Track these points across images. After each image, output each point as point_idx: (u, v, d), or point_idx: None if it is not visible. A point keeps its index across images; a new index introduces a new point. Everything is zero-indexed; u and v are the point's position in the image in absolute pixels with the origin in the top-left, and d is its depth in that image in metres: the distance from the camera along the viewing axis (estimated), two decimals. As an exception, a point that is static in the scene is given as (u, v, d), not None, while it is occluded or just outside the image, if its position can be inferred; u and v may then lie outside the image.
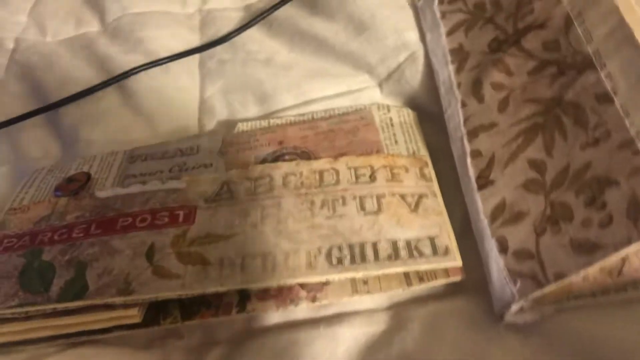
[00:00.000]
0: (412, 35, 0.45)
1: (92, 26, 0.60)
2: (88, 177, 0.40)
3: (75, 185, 0.39)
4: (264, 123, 0.44)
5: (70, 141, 0.47)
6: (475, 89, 0.36)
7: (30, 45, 0.58)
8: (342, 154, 0.39)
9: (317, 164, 0.38)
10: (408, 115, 0.42)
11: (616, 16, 0.31)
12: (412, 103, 0.44)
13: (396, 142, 0.40)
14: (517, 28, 0.37)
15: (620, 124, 0.28)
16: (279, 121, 0.44)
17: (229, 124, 0.47)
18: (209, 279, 0.31)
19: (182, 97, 0.50)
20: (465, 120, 0.36)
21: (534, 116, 0.33)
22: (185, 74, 0.52)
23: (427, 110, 0.42)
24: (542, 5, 0.36)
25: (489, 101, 0.36)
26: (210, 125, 0.48)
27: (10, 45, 0.59)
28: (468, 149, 0.35)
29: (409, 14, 0.47)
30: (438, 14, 0.43)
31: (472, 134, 0.35)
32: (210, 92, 0.50)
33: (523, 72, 0.35)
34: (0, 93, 0.54)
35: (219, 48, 0.53)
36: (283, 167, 0.38)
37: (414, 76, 0.43)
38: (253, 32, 0.54)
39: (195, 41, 0.56)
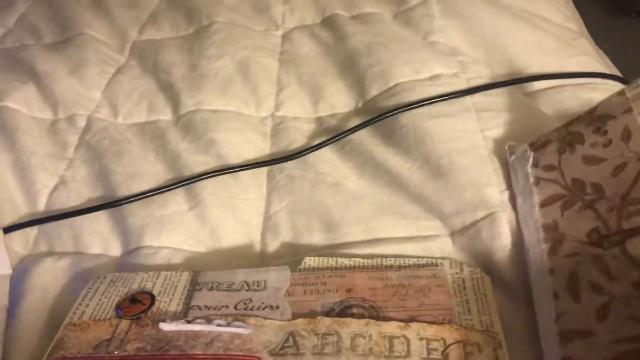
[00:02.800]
0: (492, 193, 0.45)
1: (165, 115, 0.60)
2: (152, 300, 0.39)
3: (139, 308, 0.39)
4: (332, 261, 0.43)
5: (133, 244, 0.47)
6: (571, 283, 0.35)
7: (102, 128, 0.58)
8: (413, 318, 0.38)
9: (387, 328, 0.37)
10: (482, 280, 0.41)
11: None
12: (486, 265, 0.43)
13: (469, 310, 0.39)
14: (622, 227, 0.36)
15: None
16: (347, 262, 0.43)
17: (292, 249, 0.47)
18: None
19: (247, 209, 0.50)
20: (558, 316, 0.34)
21: (638, 340, 0.31)
22: (254, 185, 0.52)
23: (502, 278, 0.41)
24: (650, 208, 0.35)
25: (587, 303, 0.34)
26: (273, 245, 0.48)
27: (82, 123, 0.60)
28: (561, 353, 0.33)
29: (488, 168, 0.46)
30: (532, 179, 0.42)
31: (566, 337, 0.33)
32: (276, 209, 0.50)
33: (627, 281, 0.33)
34: (68, 176, 0.54)
35: (289, 162, 0.53)
36: (352, 326, 0.37)
37: (492, 238, 0.42)
38: (324, 150, 0.54)
39: (265, 149, 0.56)
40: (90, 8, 0.79)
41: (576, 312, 0.34)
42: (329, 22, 0.71)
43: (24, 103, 0.61)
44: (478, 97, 0.54)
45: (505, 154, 0.47)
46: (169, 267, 0.44)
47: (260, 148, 0.56)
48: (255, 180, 0.52)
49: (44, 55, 0.68)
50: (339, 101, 0.60)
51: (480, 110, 0.52)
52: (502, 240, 0.42)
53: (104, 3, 0.80)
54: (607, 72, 0.58)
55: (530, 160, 0.43)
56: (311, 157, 0.54)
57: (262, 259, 0.47)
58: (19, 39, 0.74)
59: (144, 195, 0.50)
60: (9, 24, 0.77)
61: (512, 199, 0.44)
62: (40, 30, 0.75)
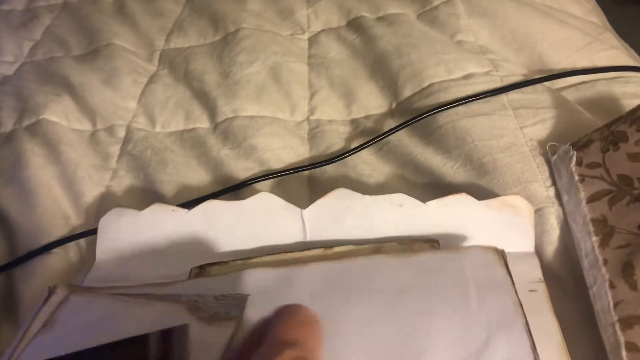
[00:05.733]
0: (538, 189, 0.46)
1: (202, 122, 0.61)
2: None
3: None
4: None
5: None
6: (626, 272, 0.36)
7: (142, 138, 0.59)
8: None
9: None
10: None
11: None
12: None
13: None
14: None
15: None
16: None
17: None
18: None
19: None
20: (616, 305, 0.36)
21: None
22: (296, 190, 0.53)
23: (552, 272, 0.42)
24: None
25: (644, 290, 0.35)
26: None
27: (122, 133, 0.61)
28: (622, 339, 0.34)
29: (532, 165, 0.47)
30: (576, 177, 0.43)
31: (626, 324, 0.35)
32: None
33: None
34: (114, 186, 0.55)
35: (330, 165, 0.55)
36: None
37: (541, 234, 0.44)
38: (363, 152, 0.55)
39: (305, 153, 0.57)
40: (114, 18, 0.80)
41: (634, 300, 0.35)
42: (355, 25, 0.72)
43: (62, 115, 0.62)
44: (513, 95, 0.55)
45: (546, 153, 0.48)
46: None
47: (300, 152, 0.57)
48: (298, 185, 0.53)
49: (75, 66, 0.69)
50: (372, 103, 0.61)
51: (516, 107, 0.53)
52: (550, 235, 0.43)
53: (127, 12, 0.81)
54: (636, 64, 0.59)
55: (574, 159, 0.44)
56: (351, 159, 0.55)
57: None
58: (49, 51, 0.75)
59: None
60: (36, 37, 0.78)
61: (557, 196, 0.45)
62: (68, 42, 0.76)
